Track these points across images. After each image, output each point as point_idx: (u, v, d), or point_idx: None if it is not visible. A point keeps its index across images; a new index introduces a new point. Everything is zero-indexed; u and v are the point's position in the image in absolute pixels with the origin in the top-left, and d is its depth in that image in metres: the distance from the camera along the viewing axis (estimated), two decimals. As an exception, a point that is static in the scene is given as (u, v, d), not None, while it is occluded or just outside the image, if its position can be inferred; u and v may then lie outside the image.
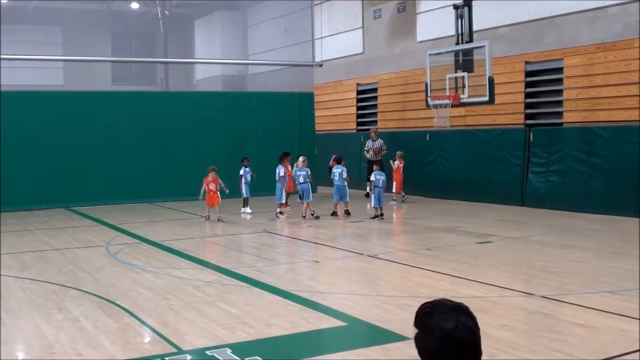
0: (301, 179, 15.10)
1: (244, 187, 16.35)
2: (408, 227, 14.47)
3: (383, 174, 14.90)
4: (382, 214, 14.63)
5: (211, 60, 29.13)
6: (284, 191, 15.43)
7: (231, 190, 15.68)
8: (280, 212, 15.44)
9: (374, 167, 15.28)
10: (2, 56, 19.06)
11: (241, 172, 16.39)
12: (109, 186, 18.40)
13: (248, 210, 16.36)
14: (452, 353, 1.98)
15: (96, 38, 29.08)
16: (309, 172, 15.33)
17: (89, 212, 17.00)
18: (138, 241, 12.46)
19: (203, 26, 32.29)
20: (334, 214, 15.35)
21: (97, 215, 16.32)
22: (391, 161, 18.18)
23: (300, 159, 15.67)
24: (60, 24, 29.05)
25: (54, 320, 7.04)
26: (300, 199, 15.67)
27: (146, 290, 8.33)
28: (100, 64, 28.68)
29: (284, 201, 15.55)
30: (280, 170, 15.48)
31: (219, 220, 14.74)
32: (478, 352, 2.02)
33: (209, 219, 15.01)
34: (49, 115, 17.98)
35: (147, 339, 6.55)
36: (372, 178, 14.76)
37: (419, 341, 2.03)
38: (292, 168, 16.05)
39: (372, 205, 14.78)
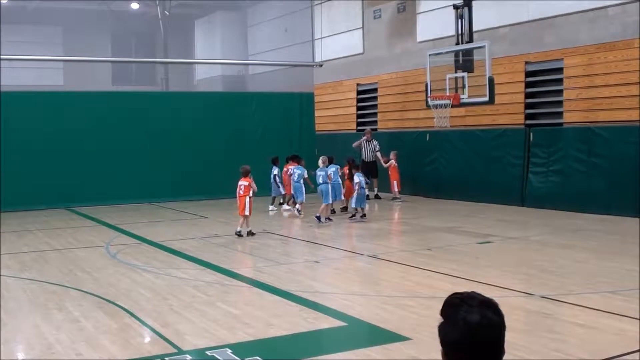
0: (320, 180, 15.01)
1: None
2: (408, 227, 14.46)
3: (362, 175, 15.12)
4: (364, 214, 14.70)
5: (211, 61, 29.13)
6: (303, 191, 15.44)
7: (231, 191, 15.27)
8: (298, 211, 15.40)
9: (356, 169, 15.25)
10: (2, 56, 19.05)
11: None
12: (109, 186, 18.39)
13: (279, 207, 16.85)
14: (473, 347, 1.98)
15: (96, 38, 29.06)
16: (328, 172, 15.03)
17: (89, 212, 16.99)
18: (138, 241, 12.46)
19: (203, 26, 32.27)
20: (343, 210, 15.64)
21: (97, 215, 16.32)
22: (392, 160, 18.18)
23: (321, 159, 15.54)
24: (60, 24, 29.03)
25: (54, 320, 7.04)
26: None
27: (146, 291, 8.33)
28: (100, 64, 28.67)
29: (303, 200, 15.49)
30: (304, 172, 15.46)
31: (249, 234, 12.71)
32: (500, 350, 2.01)
33: (240, 235, 12.67)
34: (49, 115, 17.98)
35: (147, 339, 6.55)
36: (356, 180, 14.70)
37: (443, 331, 2.03)
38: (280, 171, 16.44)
39: (353, 206, 14.80)
